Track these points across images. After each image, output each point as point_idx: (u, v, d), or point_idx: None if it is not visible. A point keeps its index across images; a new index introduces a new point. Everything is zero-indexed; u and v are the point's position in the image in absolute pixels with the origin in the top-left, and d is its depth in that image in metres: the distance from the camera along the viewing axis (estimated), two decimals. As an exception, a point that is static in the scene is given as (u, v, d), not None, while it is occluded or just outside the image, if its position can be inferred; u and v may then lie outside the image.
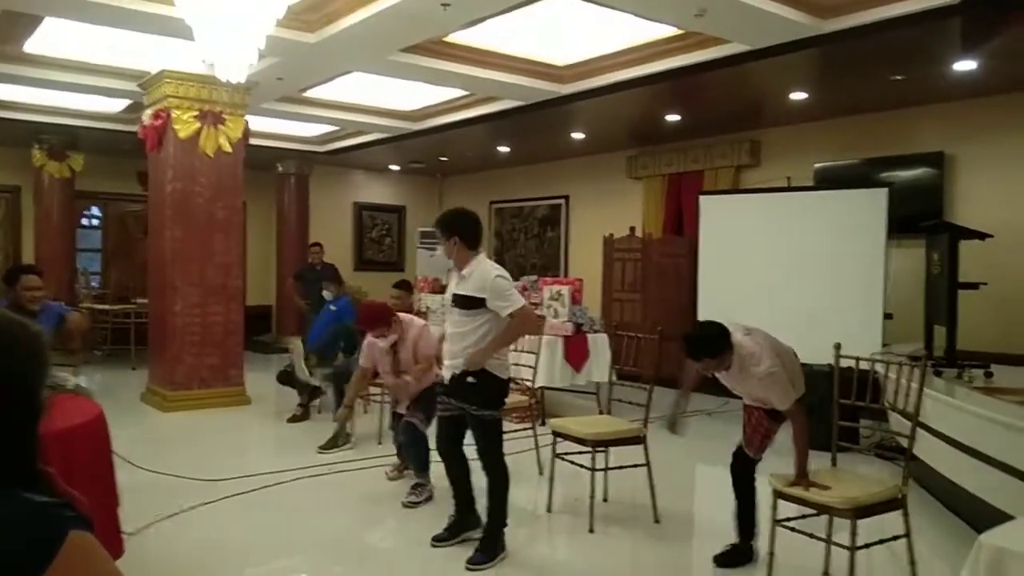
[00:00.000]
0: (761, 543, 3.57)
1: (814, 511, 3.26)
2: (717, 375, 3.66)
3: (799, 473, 3.33)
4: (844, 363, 3.62)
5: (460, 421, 3.82)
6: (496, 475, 3.76)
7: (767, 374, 3.38)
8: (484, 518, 3.84)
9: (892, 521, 3.29)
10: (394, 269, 13.48)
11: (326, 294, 7.41)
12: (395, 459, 5.10)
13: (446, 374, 3.80)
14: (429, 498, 4.57)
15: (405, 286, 7.03)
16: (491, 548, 3.72)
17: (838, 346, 3.62)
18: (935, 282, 5.65)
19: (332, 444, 5.73)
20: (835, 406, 3.65)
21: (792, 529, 3.37)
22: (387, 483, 4.89)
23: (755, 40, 5.73)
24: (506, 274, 3.76)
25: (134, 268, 11.33)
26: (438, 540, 3.94)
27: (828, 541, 3.36)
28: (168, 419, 6.86)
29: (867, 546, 3.18)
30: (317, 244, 9.34)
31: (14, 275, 4.63)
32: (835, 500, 3.15)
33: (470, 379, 3.66)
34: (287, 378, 6.94)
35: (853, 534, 3.08)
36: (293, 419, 6.70)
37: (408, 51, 6.33)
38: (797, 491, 3.28)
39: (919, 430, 3.41)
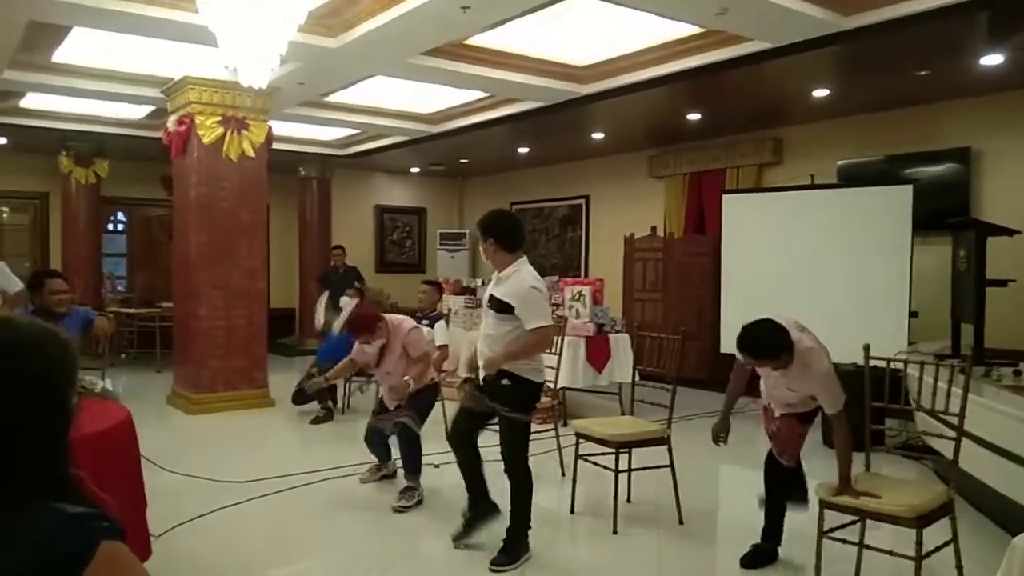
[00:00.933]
0: (796, 547, 3.53)
1: (853, 519, 3.19)
2: (762, 375, 3.60)
3: (844, 480, 3.23)
4: (873, 363, 3.56)
5: (481, 418, 3.85)
6: (519, 478, 3.76)
7: (828, 372, 3.29)
8: (504, 512, 3.87)
9: (933, 527, 3.19)
10: (416, 271, 13.53)
11: (344, 302, 7.44)
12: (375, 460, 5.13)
13: (482, 374, 3.78)
14: (419, 502, 4.58)
15: (435, 285, 7.01)
16: (514, 550, 3.73)
17: (867, 347, 3.57)
18: (962, 279, 5.57)
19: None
20: (867, 408, 3.56)
21: (843, 541, 3.28)
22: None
23: (777, 38, 5.69)
24: (542, 286, 3.71)
25: (159, 272, 11.45)
26: (458, 538, 3.95)
27: (885, 552, 3.27)
28: (194, 421, 6.94)
29: (928, 555, 3.06)
30: (339, 247, 9.40)
31: (39, 280, 4.69)
32: (898, 508, 3.04)
33: (504, 381, 3.66)
34: (301, 397, 7.00)
35: (919, 543, 2.99)
36: (316, 421, 6.76)
37: (428, 54, 6.34)
38: (850, 500, 3.15)
39: (946, 429, 3.37)
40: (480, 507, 3.95)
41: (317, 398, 6.85)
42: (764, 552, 3.72)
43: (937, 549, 3.15)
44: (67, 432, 1.17)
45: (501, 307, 3.65)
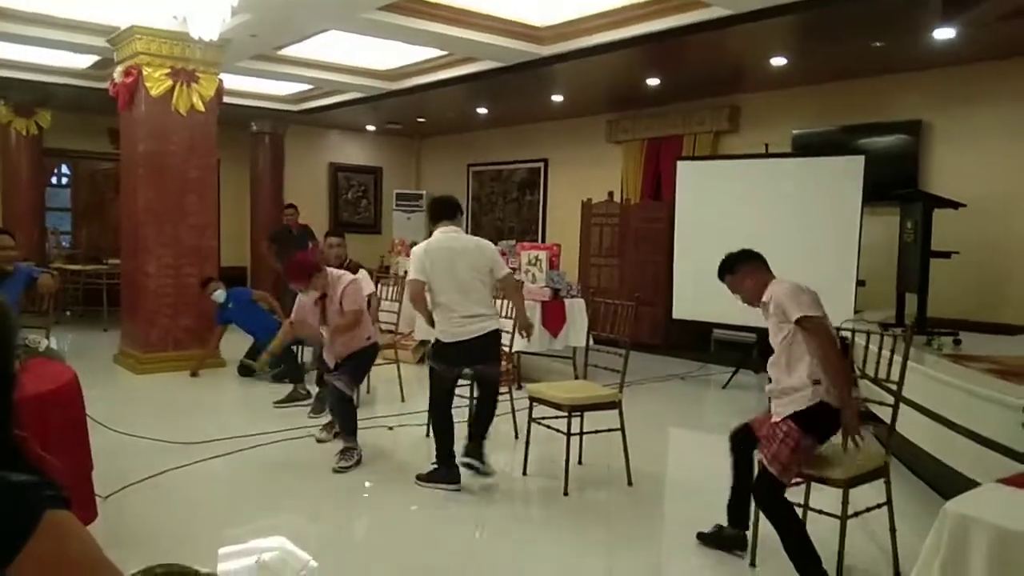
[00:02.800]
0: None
1: (800, 480, 3.25)
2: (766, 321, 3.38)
3: (846, 404, 3.05)
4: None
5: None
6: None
7: (793, 286, 3.24)
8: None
9: (866, 490, 3.32)
10: (371, 231, 13.40)
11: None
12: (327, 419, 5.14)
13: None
14: (358, 462, 4.56)
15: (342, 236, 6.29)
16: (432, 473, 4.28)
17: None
18: (908, 250, 5.71)
19: (289, 399, 6.03)
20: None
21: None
22: (368, 446, 4.88)
23: (737, 4, 5.68)
24: (424, 247, 4.22)
25: (106, 228, 11.16)
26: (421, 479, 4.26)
27: (804, 507, 3.40)
28: (141, 381, 6.83)
29: (857, 514, 3.17)
30: (291, 206, 9.19)
31: None
32: (829, 470, 3.14)
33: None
34: (246, 370, 6.87)
35: (845, 503, 3.07)
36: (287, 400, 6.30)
37: (385, 9, 6.20)
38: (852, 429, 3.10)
39: (888, 396, 3.47)
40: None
41: (291, 379, 6.40)
42: (731, 538, 3.47)
43: (868, 510, 3.27)
44: (9, 397, 1.14)
45: None
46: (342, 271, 4.91)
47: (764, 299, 3.34)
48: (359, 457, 4.59)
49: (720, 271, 3.50)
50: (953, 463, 3.76)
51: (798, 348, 3.17)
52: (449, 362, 4.28)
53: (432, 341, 4.36)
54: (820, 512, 3.29)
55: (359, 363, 4.74)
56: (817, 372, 3.10)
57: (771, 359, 3.34)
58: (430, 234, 4.35)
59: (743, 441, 3.42)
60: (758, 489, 3.17)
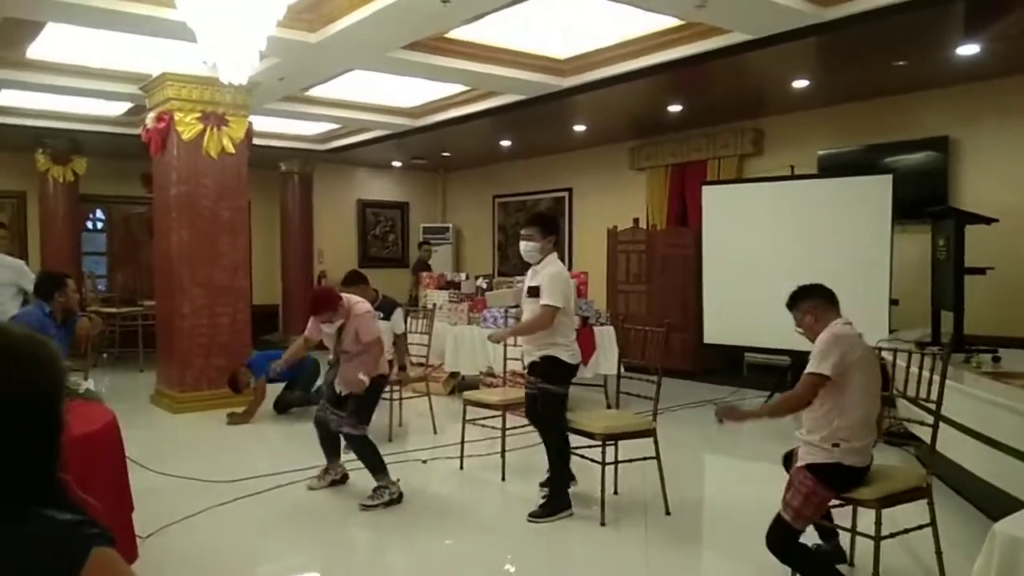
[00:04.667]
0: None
1: (839, 502, 3.23)
2: None
3: (753, 413, 3.44)
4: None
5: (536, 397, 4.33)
6: (555, 441, 4.31)
7: (833, 335, 3.17)
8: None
9: (911, 511, 3.27)
10: (399, 265, 13.51)
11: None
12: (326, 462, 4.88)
13: (526, 359, 4.37)
14: (391, 501, 4.43)
15: (357, 279, 5.89)
16: (551, 504, 4.25)
17: (859, 336, 3.61)
18: (941, 267, 5.64)
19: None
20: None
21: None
22: (402, 480, 4.87)
23: (756, 29, 5.72)
24: (567, 275, 4.39)
25: (140, 270, 11.35)
26: (534, 516, 4.24)
27: (852, 531, 3.34)
28: (178, 421, 6.90)
29: (892, 535, 3.14)
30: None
31: (62, 280, 4.71)
32: (861, 491, 3.10)
33: (536, 360, 4.31)
34: (282, 403, 6.97)
35: (878, 523, 3.03)
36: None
37: (408, 48, 6.32)
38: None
39: (927, 416, 3.41)
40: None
41: (303, 402, 6.83)
42: (826, 554, 3.39)
43: (907, 531, 3.22)
44: (58, 440, 1.17)
45: (538, 292, 4.27)
46: (358, 299, 4.80)
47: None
48: (392, 496, 4.44)
49: (788, 304, 3.43)
50: (1000, 483, 3.67)
51: (828, 399, 3.12)
52: (569, 383, 4.42)
53: (542, 364, 4.28)
54: (852, 531, 3.24)
55: (365, 399, 4.57)
56: (839, 435, 3.07)
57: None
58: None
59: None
60: (770, 533, 3.10)
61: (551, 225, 4.47)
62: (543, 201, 12.04)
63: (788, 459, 3.43)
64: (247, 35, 4.47)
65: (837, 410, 3.08)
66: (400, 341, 6.16)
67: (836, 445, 3.05)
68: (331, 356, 4.77)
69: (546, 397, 4.27)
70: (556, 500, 4.27)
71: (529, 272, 4.49)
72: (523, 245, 4.36)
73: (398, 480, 4.54)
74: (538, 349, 4.30)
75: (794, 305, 3.40)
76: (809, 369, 3.13)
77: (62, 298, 4.65)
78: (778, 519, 3.07)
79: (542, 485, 4.46)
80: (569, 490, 4.37)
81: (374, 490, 4.50)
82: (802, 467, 3.10)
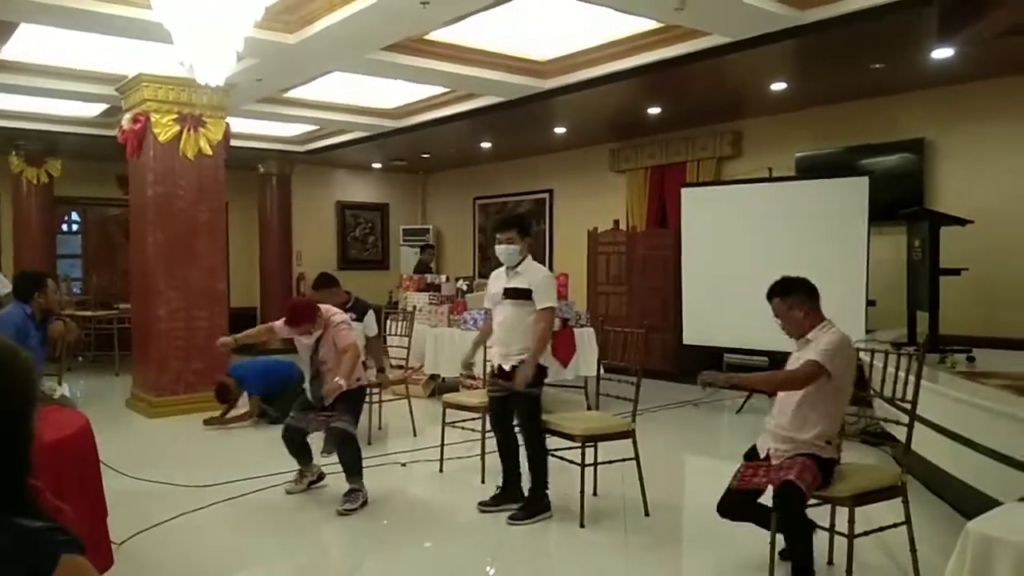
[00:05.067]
0: (762, 533, 3.37)
1: (816, 501, 3.25)
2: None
3: (740, 381, 3.50)
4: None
5: (507, 401, 4.32)
6: (535, 445, 4.27)
7: (840, 338, 3.23)
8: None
9: (886, 509, 3.31)
10: (379, 267, 13.47)
11: None
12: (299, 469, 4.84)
13: (499, 362, 4.31)
14: (364, 503, 4.45)
15: (328, 282, 5.97)
16: (532, 507, 4.24)
17: None
18: (917, 268, 5.70)
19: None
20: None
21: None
22: (380, 483, 4.85)
23: (735, 32, 5.75)
24: (551, 274, 4.44)
25: (116, 273, 11.23)
26: (484, 505, 4.37)
27: (830, 530, 3.37)
28: (154, 425, 6.82)
29: (866, 533, 3.19)
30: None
31: (43, 280, 4.66)
32: (835, 489, 3.16)
33: (515, 365, 4.21)
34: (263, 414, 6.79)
35: (851, 521, 3.09)
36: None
37: (388, 50, 6.30)
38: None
39: (903, 416, 3.44)
40: (510, 489, 4.42)
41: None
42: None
43: (882, 529, 3.27)
44: (28, 449, 1.16)
45: (519, 295, 4.23)
46: (332, 307, 4.77)
47: (809, 337, 3.32)
48: (365, 499, 4.48)
49: (772, 291, 3.44)
50: (973, 482, 3.72)
51: (823, 403, 3.20)
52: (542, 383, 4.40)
53: (527, 366, 4.16)
54: (830, 531, 3.27)
55: (355, 403, 4.62)
56: (829, 434, 3.21)
57: (786, 399, 3.32)
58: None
59: (739, 508, 3.41)
60: (786, 496, 3.07)
61: (528, 227, 4.46)
62: (524, 203, 12.04)
63: (753, 454, 3.47)
64: (224, 36, 4.44)
65: (832, 412, 3.24)
66: (374, 343, 6.09)
67: (829, 443, 3.22)
68: (310, 371, 4.63)
69: (526, 400, 4.24)
70: (537, 502, 4.26)
71: (500, 273, 4.41)
72: (503, 248, 4.28)
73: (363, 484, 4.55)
74: (518, 353, 4.22)
75: (784, 295, 3.38)
76: (815, 358, 3.17)
77: (42, 299, 4.60)
78: (792, 485, 3.05)
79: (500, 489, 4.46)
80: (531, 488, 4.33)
81: (349, 493, 4.46)
82: (802, 456, 3.16)
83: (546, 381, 4.48)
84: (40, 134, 9.41)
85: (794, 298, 3.37)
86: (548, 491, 4.31)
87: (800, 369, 3.23)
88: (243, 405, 6.78)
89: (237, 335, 4.95)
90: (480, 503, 4.42)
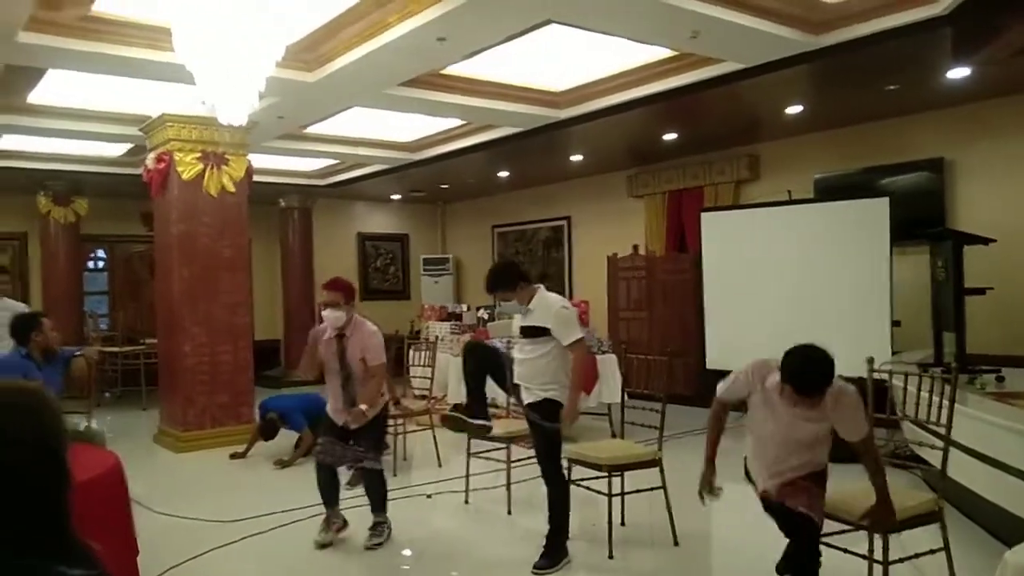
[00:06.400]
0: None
1: (852, 527, 3.22)
2: (756, 423, 3.36)
3: (884, 501, 3.08)
4: (854, 374, 3.59)
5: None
6: (555, 484, 4.06)
7: (858, 399, 3.06)
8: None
9: (922, 535, 3.26)
10: (400, 297, 13.53)
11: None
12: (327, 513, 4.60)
13: (524, 396, 4.13)
14: (389, 536, 4.44)
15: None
16: (553, 553, 4.01)
17: (871, 360, 3.64)
18: (941, 288, 5.65)
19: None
20: (871, 420, 3.62)
21: (828, 545, 3.31)
22: (407, 515, 4.84)
23: (749, 58, 5.78)
24: (568, 305, 4.21)
25: (142, 309, 11.37)
26: (539, 568, 4.00)
27: (868, 558, 3.31)
28: (182, 460, 6.87)
29: (901, 560, 3.15)
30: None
31: (36, 320, 4.72)
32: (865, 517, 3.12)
33: (537, 400, 4.08)
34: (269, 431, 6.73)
35: (885, 548, 3.05)
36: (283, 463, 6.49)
37: (406, 85, 6.39)
38: (832, 505, 3.19)
39: (934, 438, 3.41)
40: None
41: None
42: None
43: (918, 555, 3.21)
44: (69, 490, 1.17)
45: (535, 332, 4.07)
46: (366, 319, 4.62)
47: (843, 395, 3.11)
48: (390, 531, 4.49)
49: (818, 386, 3.03)
50: (1011, 507, 3.65)
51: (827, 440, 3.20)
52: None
53: (542, 402, 4.07)
54: (868, 558, 3.21)
55: (378, 431, 4.47)
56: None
57: (789, 444, 3.20)
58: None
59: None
60: (807, 537, 3.04)
61: (513, 275, 4.20)
62: (542, 230, 12.08)
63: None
64: (246, 77, 4.52)
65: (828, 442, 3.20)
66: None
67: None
68: (339, 377, 4.42)
69: (543, 436, 4.08)
70: (558, 549, 4.07)
71: (522, 310, 4.22)
72: (505, 304, 4.23)
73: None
74: (540, 388, 4.07)
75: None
76: (864, 431, 3.12)
77: (39, 337, 4.67)
78: (811, 523, 3.01)
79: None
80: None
81: (375, 526, 4.46)
82: (804, 477, 3.12)
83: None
84: (67, 174, 9.61)
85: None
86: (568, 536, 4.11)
87: (870, 447, 3.12)
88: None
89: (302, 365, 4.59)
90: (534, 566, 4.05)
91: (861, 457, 3.11)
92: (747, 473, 3.51)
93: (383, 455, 4.57)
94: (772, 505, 3.22)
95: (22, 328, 4.69)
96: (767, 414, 3.20)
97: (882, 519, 3.12)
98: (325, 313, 4.43)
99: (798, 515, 3.05)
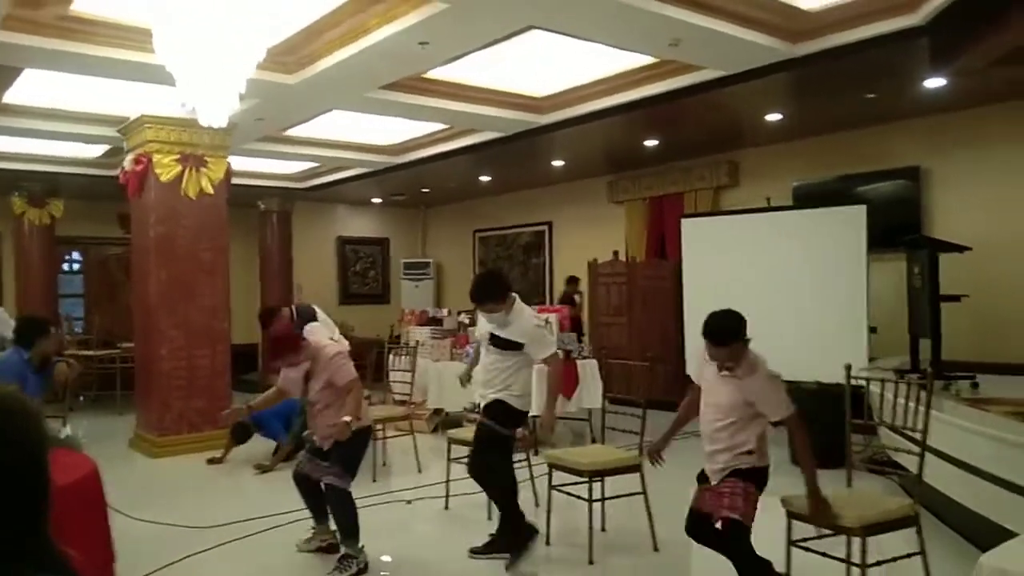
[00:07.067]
0: (776, 565, 3.37)
1: (830, 532, 3.26)
2: (704, 384, 3.50)
3: (814, 494, 3.22)
4: (832, 380, 3.65)
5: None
6: (494, 479, 4.20)
7: (772, 376, 3.27)
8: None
9: (898, 539, 3.29)
10: (380, 302, 13.49)
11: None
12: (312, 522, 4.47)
13: (479, 400, 4.27)
14: (360, 572, 4.01)
15: (270, 314, 6.57)
16: (516, 543, 4.10)
17: (848, 367, 3.69)
18: (917, 295, 5.72)
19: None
20: (848, 425, 3.72)
21: (807, 549, 3.37)
22: (386, 520, 4.82)
23: (729, 66, 5.83)
24: (541, 321, 4.22)
25: (118, 312, 11.22)
26: (475, 552, 4.23)
27: (846, 561, 3.34)
28: (158, 465, 6.79)
29: (879, 563, 3.18)
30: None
31: (46, 327, 4.65)
32: (845, 519, 3.16)
33: (491, 401, 4.20)
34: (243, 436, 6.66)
35: (863, 551, 3.09)
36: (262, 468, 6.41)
37: (387, 88, 6.38)
38: (808, 511, 3.26)
39: (910, 444, 3.44)
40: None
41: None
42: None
43: (895, 559, 3.26)
44: (48, 498, 1.16)
45: (508, 345, 4.14)
46: (326, 341, 4.48)
47: (759, 365, 3.34)
48: (360, 567, 4.03)
49: (719, 334, 3.35)
50: (985, 512, 3.70)
51: (755, 421, 3.31)
52: (516, 427, 4.37)
53: (492, 404, 4.19)
54: (845, 561, 3.25)
55: (350, 450, 4.10)
56: (754, 443, 3.30)
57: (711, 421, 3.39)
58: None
59: (699, 529, 3.48)
60: (730, 536, 3.20)
61: (503, 287, 4.21)
62: (523, 235, 12.10)
63: (703, 476, 3.52)
64: (226, 79, 4.49)
65: (757, 425, 3.32)
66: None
67: (751, 452, 3.30)
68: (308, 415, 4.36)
69: (490, 435, 4.18)
70: (517, 535, 4.10)
71: (492, 318, 4.21)
72: (490, 316, 4.15)
73: (363, 547, 4.12)
74: (491, 391, 4.20)
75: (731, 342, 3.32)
76: (790, 409, 3.27)
77: (43, 345, 4.59)
78: (733, 523, 3.18)
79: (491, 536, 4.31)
80: (531, 543, 4.13)
81: (340, 559, 4.05)
82: (731, 474, 3.29)
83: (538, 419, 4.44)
84: (42, 175, 9.48)
85: (736, 339, 3.31)
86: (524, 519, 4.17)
87: (800, 429, 3.28)
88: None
89: (251, 403, 4.53)
90: (471, 549, 4.28)
91: (792, 442, 3.36)
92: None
93: (348, 474, 4.10)
94: (696, 523, 3.47)
95: (29, 331, 4.60)
96: (706, 384, 3.48)
97: (812, 511, 3.25)
98: (287, 372, 4.26)
99: (717, 532, 3.23)
